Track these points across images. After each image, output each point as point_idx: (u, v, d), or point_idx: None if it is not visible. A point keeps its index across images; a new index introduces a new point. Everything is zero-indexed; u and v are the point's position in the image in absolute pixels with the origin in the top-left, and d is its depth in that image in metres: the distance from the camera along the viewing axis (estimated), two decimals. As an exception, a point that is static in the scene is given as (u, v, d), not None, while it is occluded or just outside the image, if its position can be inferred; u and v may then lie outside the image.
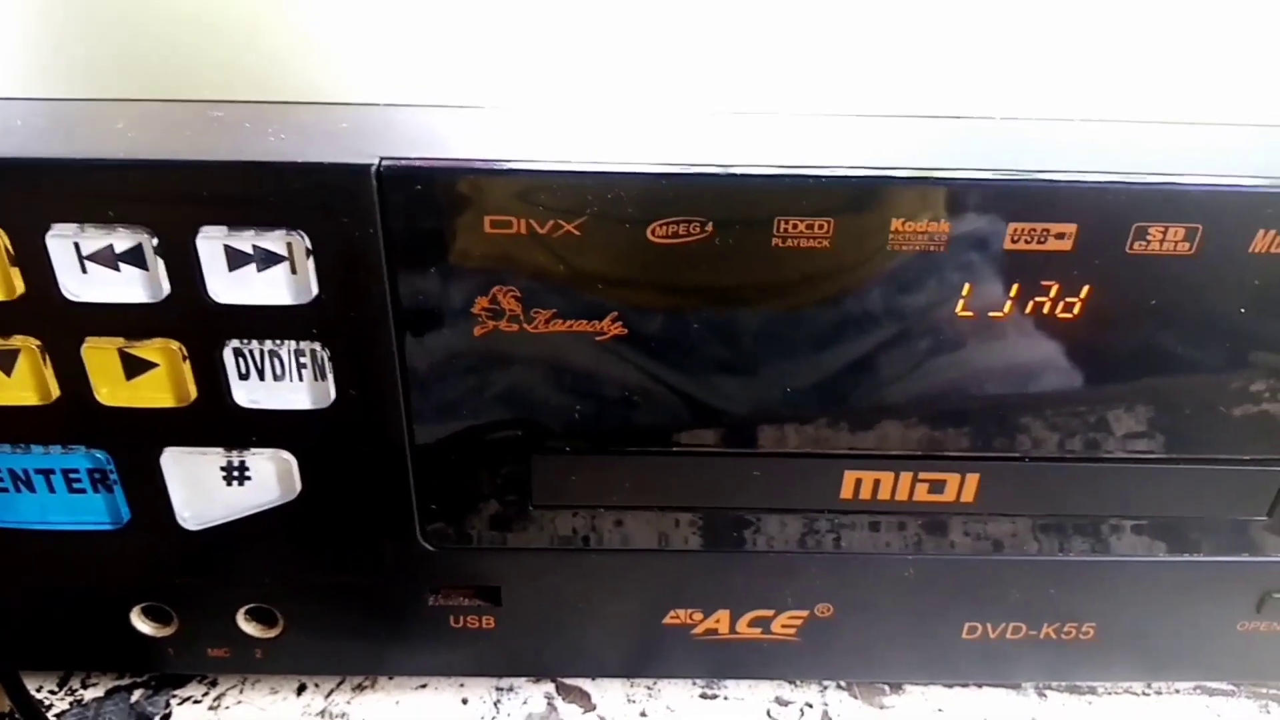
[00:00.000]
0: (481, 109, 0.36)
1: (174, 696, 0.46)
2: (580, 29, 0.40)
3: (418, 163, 0.31)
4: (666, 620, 0.42)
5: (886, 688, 0.47)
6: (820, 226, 0.32)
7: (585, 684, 0.47)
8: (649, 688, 0.47)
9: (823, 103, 0.38)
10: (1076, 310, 0.34)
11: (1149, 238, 0.32)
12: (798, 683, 0.47)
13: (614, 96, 0.38)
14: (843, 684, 0.47)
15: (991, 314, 0.34)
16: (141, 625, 0.42)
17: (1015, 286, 0.34)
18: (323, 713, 0.45)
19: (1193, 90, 0.41)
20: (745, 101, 0.38)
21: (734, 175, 0.31)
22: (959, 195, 0.32)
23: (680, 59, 0.40)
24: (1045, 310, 0.34)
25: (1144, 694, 0.47)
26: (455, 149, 0.32)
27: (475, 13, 0.40)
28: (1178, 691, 0.48)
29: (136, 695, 0.45)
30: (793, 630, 0.42)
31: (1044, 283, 0.33)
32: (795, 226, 0.32)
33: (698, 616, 0.42)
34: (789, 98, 0.39)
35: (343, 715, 0.45)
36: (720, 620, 0.42)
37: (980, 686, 0.47)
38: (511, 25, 0.40)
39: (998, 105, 0.36)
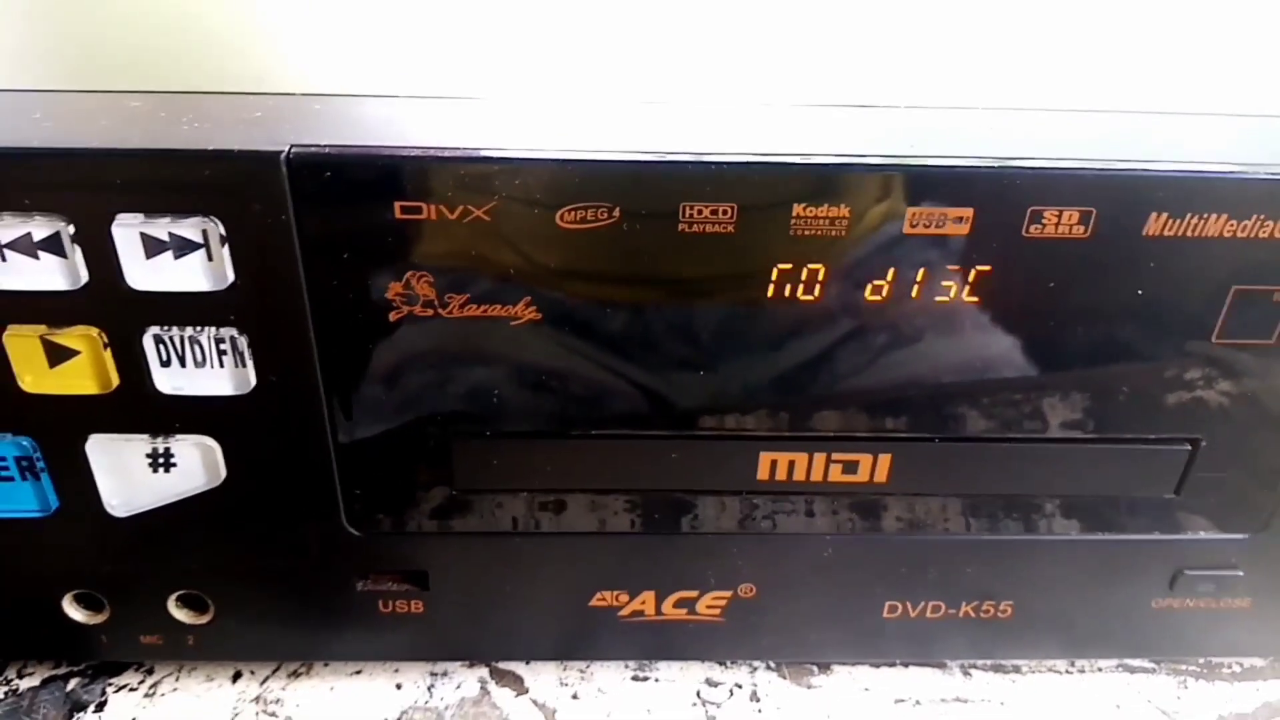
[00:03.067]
0: (398, 98, 0.36)
1: (110, 685, 0.46)
2: (503, 19, 0.41)
3: (327, 150, 0.32)
4: (593, 603, 0.42)
5: (815, 668, 0.48)
6: (724, 212, 0.33)
7: (519, 668, 0.47)
8: (582, 671, 0.47)
9: (729, 90, 0.38)
10: (976, 293, 0.35)
11: (1044, 221, 0.33)
12: (728, 664, 0.48)
13: (535, 85, 0.38)
14: (772, 665, 0.48)
15: (894, 297, 0.34)
16: (74, 613, 0.42)
17: (916, 270, 0.34)
18: (257, 699, 0.46)
19: (1089, 77, 0.42)
20: (657, 90, 0.38)
21: (638, 162, 0.32)
22: (858, 181, 0.33)
23: (597, 50, 0.41)
24: (946, 293, 0.35)
25: (1066, 672, 0.48)
26: (367, 136, 0.33)
27: (400, 4, 0.41)
28: (1100, 669, 0.49)
29: (72, 684, 0.46)
30: (717, 611, 0.43)
31: (944, 266, 0.34)
32: (700, 212, 0.32)
33: (624, 598, 0.43)
34: (698, 86, 0.40)
35: (277, 701, 0.45)
36: (646, 602, 0.43)
37: (906, 666, 0.48)
38: (432, 15, 0.41)
39: (903, 94, 0.36)
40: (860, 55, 0.41)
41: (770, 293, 0.35)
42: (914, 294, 0.35)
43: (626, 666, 0.48)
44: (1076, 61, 0.42)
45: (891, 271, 0.35)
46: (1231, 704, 0.47)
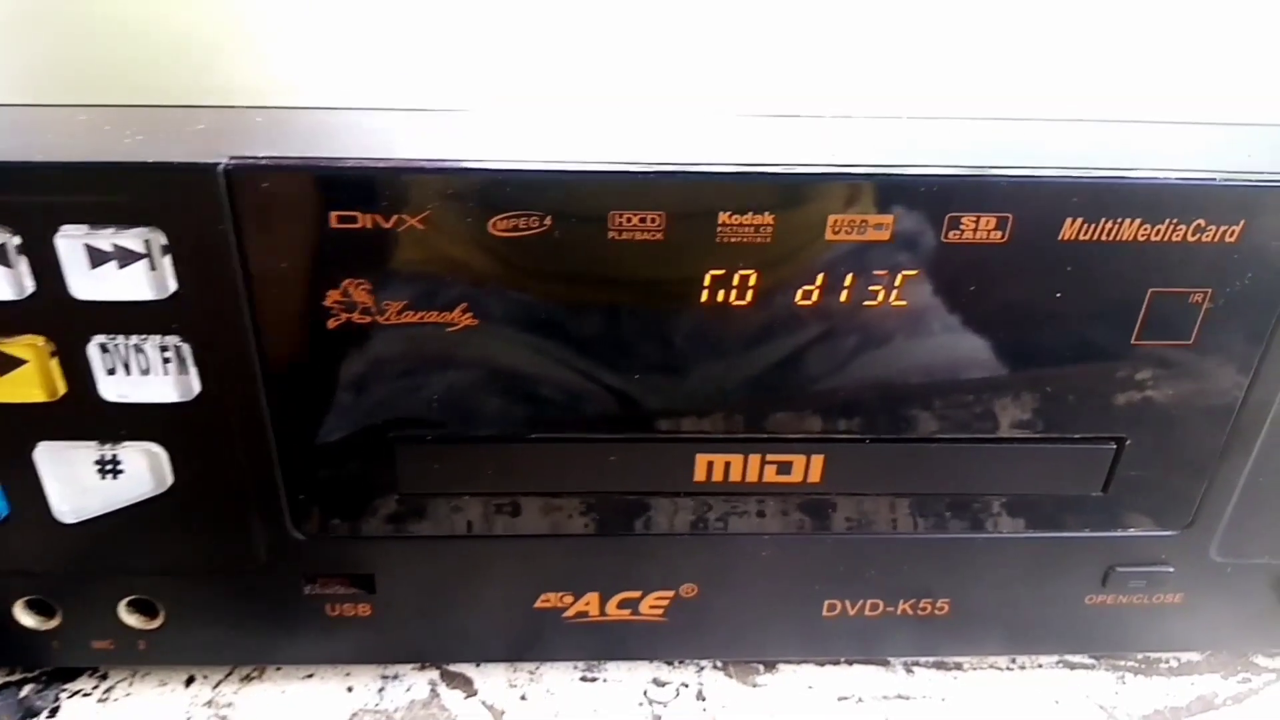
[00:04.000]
0: (338, 110, 0.37)
1: (63, 690, 0.46)
2: (444, 30, 0.42)
3: (263, 161, 0.32)
4: (538, 604, 0.43)
5: (761, 667, 0.49)
6: (653, 220, 0.34)
7: (469, 669, 0.48)
8: (531, 672, 0.48)
9: (657, 97, 0.39)
10: (902, 297, 0.36)
11: (962, 227, 0.34)
12: (676, 664, 0.49)
13: (475, 95, 0.39)
14: (719, 664, 0.49)
15: (824, 302, 0.36)
16: (25, 619, 0.43)
17: (843, 275, 0.35)
18: (210, 703, 0.46)
19: (1008, 85, 0.43)
20: (594, 98, 0.39)
21: (566, 172, 0.33)
22: (779, 189, 0.34)
23: (534, 59, 0.42)
24: (874, 298, 0.36)
25: (1007, 669, 0.50)
26: (304, 147, 0.34)
27: (340, 14, 0.42)
28: (1040, 666, 0.50)
29: (26, 690, 0.46)
30: (660, 611, 0.44)
31: (869, 272, 0.35)
32: (629, 220, 0.33)
33: (568, 599, 0.43)
34: (636, 93, 0.41)
35: (229, 705, 0.46)
36: (590, 603, 0.44)
37: (851, 663, 0.49)
38: (375, 27, 0.42)
39: (827, 105, 0.38)
40: (788, 67, 0.42)
41: (704, 298, 0.35)
42: (843, 299, 0.36)
43: (575, 667, 0.48)
44: (994, 71, 0.43)
45: (821, 276, 0.36)
46: (1168, 698, 0.48)
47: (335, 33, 0.43)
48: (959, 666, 0.49)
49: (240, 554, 0.41)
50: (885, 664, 0.49)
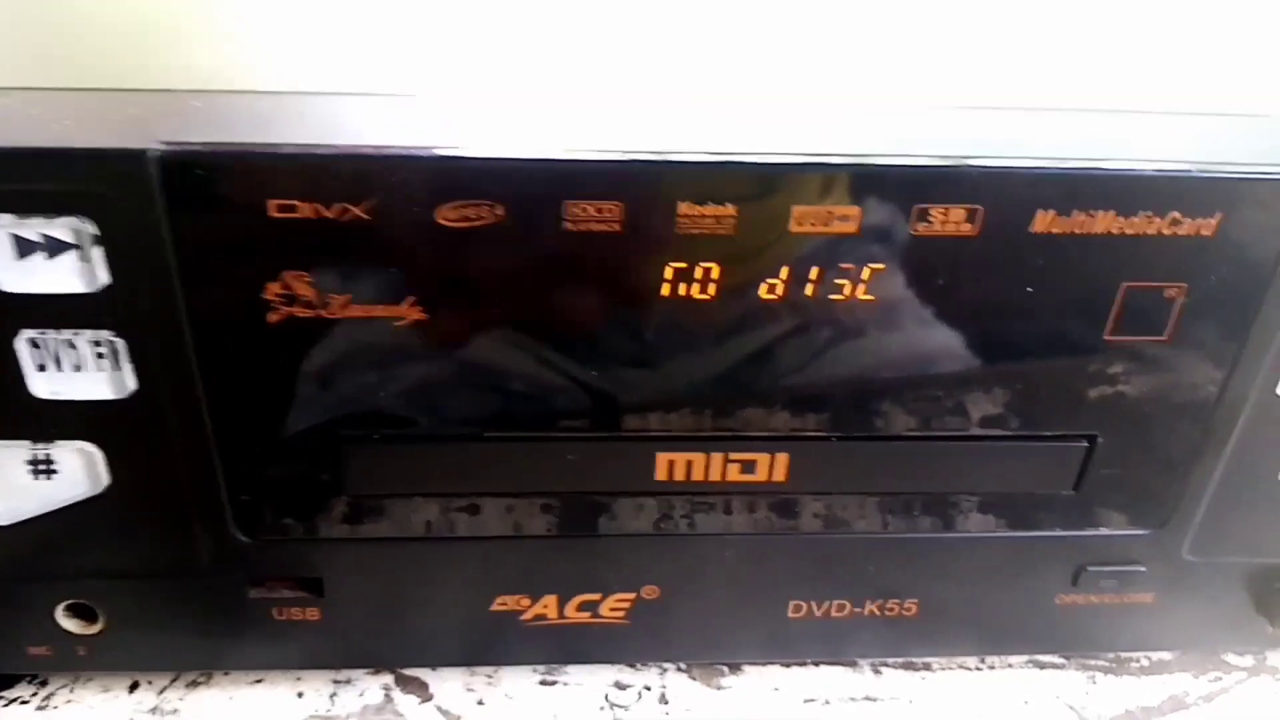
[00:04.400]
0: (282, 94, 0.35)
1: (0, 698, 0.44)
2: (393, 12, 0.40)
3: (198, 148, 0.31)
4: (494, 607, 0.42)
5: (725, 669, 0.47)
6: (609, 210, 0.32)
7: (425, 674, 0.47)
8: (489, 676, 0.47)
9: (613, 85, 0.38)
10: (870, 291, 0.34)
11: (931, 219, 0.33)
12: (639, 666, 0.47)
13: (426, 80, 0.38)
14: (683, 666, 0.47)
15: (790, 296, 0.34)
16: (-42, 624, 0.41)
17: (808, 269, 0.34)
18: (154, 710, 0.45)
19: (979, 74, 0.42)
20: (554, 84, 0.38)
21: (518, 159, 0.31)
22: (741, 179, 0.32)
23: (490, 43, 0.41)
24: (840, 291, 0.34)
25: (976, 669, 0.49)
26: (242, 133, 0.32)
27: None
28: (1010, 666, 0.49)
29: (-39, 698, 0.44)
30: (622, 613, 0.42)
31: (836, 265, 0.34)
32: (585, 210, 0.32)
33: (525, 602, 0.42)
34: (584, 77, 0.39)
35: (174, 712, 0.44)
36: (548, 605, 0.42)
37: (818, 665, 0.48)
38: (320, 9, 0.40)
39: (794, 93, 0.36)
40: (753, 49, 0.40)
41: (664, 292, 0.34)
42: (808, 293, 0.35)
43: (535, 671, 0.47)
44: (966, 60, 0.42)
45: (786, 270, 0.35)
46: (1139, 698, 0.47)
47: (277, 15, 0.41)
48: (927, 667, 0.48)
49: (182, 557, 0.39)
50: (853, 665, 0.48)
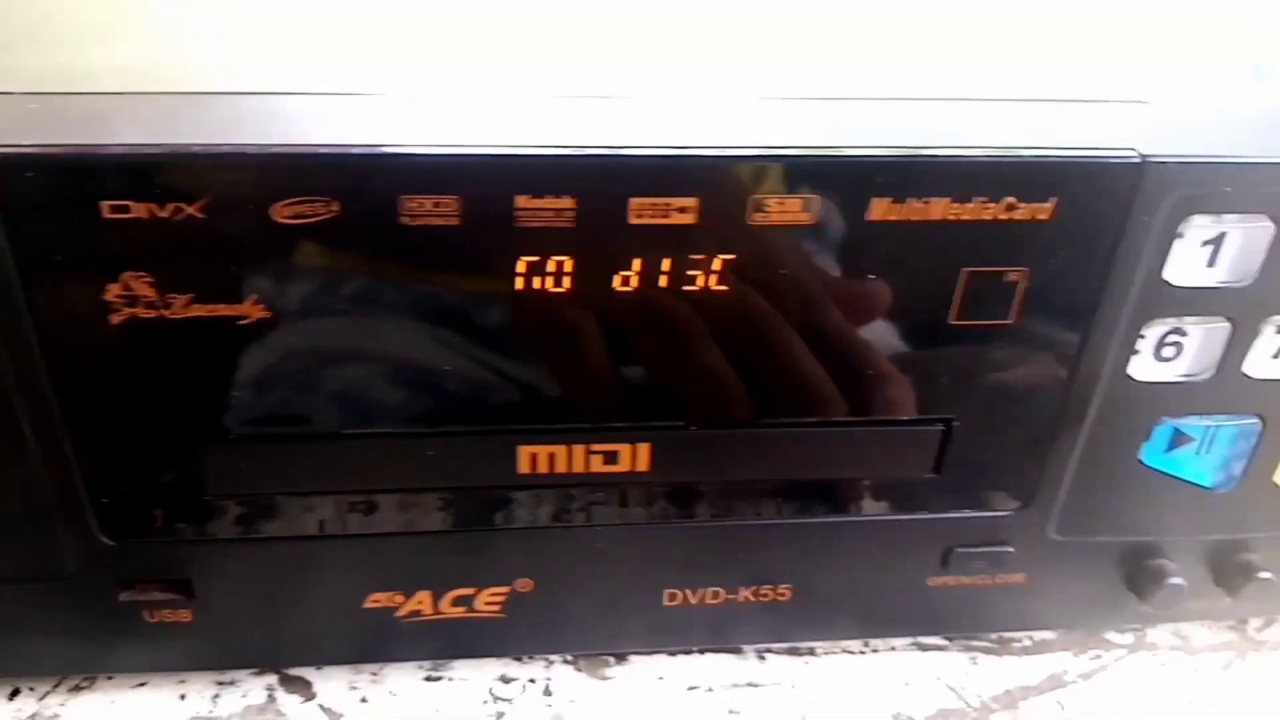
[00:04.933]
0: (125, 95, 0.35)
1: (-124, 708, 0.44)
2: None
3: (27, 150, 0.31)
4: (368, 604, 0.42)
5: (612, 659, 0.48)
6: (447, 204, 0.32)
7: (309, 673, 0.47)
8: (374, 674, 0.47)
9: (453, 78, 0.38)
10: (721, 282, 0.35)
11: (767, 208, 0.33)
12: (525, 660, 0.48)
13: (253, 76, 0.37)
14: (569, 658, 0.48)
15: (642, 288, 0.35)
16: None
17: (657, 261, 0.34)
18: (34, 716, 0.44)
19: (808, 62, 0.42)
20: (379, 68, 0.38)
21: (351, 154, 0.31)
22: (578, 170, 0.32)
23: (335, 37, 0.41)
24: (692, 283, 0.35)
25: (860, 652, 0.49)
26: (73, 134, 0.32)
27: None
28: (893, 649, 0.50)
29: None
30: (497, 607, 0.43)
31: (676, 256, 0.34)
32: (422, 204, 0.32)
33: (399, 599, 0.42)
34: (422, 64, 0.40)
35: (55, 717, 0.44)
36: (422, 601, 0.42)
37: (704, 652, 0.48)
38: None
39: (632, 86, 0.36)
40: (591, 43, 0.41)
41: (507, 285, 0.34)
42: (663, 284, 0.35)
43: (420, 667, 0.47)
44: (797, 45, 0.42)
45: (638, 263, 0.35)
46: (1019, 677, 0.48)
47: (109, 15, 0.41)
48: (811, 652, 0.49)
49: (47, 561, 0.39)
50: (738, 652, 0.49)
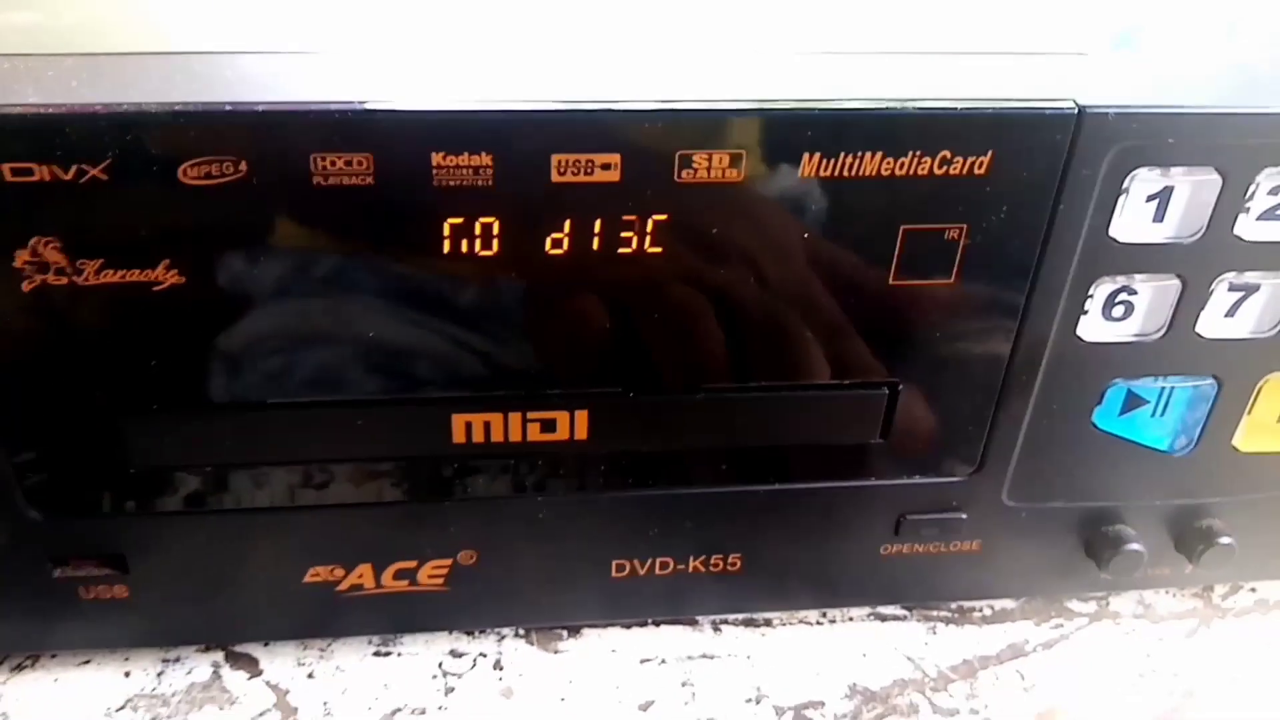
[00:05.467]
0: (18, 56, 0.34)
1: None
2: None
3: (-78, 111, 0.30)
4: (307, 579, 0.41)
5: (564, 632, 0.47)
6: (360, 163, 0.31)
7: (255, 649, 0.46)
8: (322, 649, 0.46)
9: (371, 35, 0.37)
10: (642, 242, 0.34)
11: (694, 165, 0.32)
12: (477, 634, 0.47)
13: (160, 33, 0.36)
14: (521, 632, 0.47)
15: (563, 251, 0.34)
16: None
17: (580, 222, 0.33)
18: (-24, 695, 0.43)
19: (735, 16, 0.41)
20: (289, 26, 0.37)
21: (256, 112, 0.30)
22: (497, 127, 0.31)
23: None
24: (614, 244, 0.34)
25: (818, 623, 0.48)
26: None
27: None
28: (851, 619, 0.49)
29: None
30: (440, 580, 0.42)
31: (612, 215, 0.33)
32: (334, 163, 0.31)
33: (339, 572, 0.41)
34: (333, 20, 0.39)
35: (-3, 696, 0.43)
36: (364, 575, 0.42)
37: (658, 624, 0.48)
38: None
39: (555, 35, 0.35)
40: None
41: (428, 246, 0.33)
42: (595, 246, 0.34)
43: (370, 643, 0.46)
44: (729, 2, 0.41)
45: (568, 224, 0.34)
46: (978, 647, 0.48)
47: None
48: (768, 623, 0.48)
49: (-24, 537, 0.38)
50: (694, 624, 0.48)
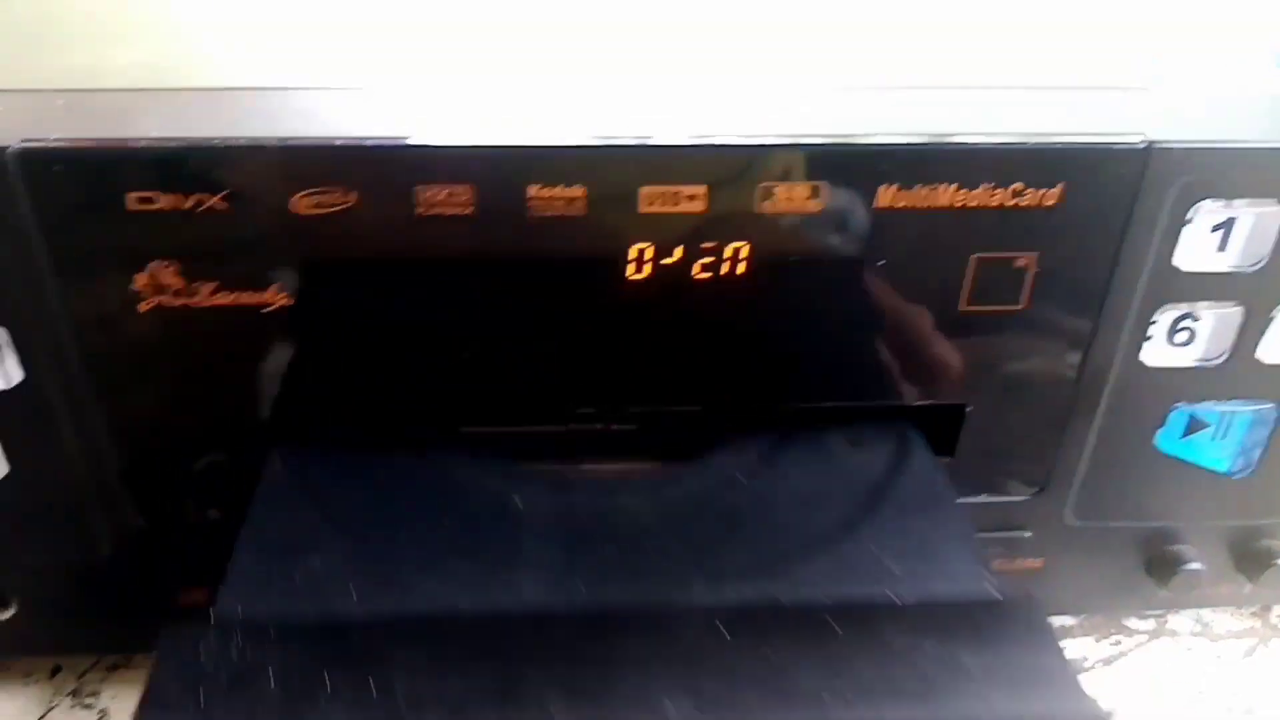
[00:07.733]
0: (142, 91, 0.36)
1: None
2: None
3: (55, 144, 0.32)
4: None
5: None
6: (461, 194, 0.33)
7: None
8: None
9: (471, 65, 0.39)
10: (733, 270, 0.36)
11: (776, 195, 0.34)
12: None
13: (274, 71, 0.39)
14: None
15: (646, 276, 0.36)
16: None
17: (669, 248, 0.35)
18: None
19: (816, 52, 0.43)
20: (394, 63, 0.39)
21: (368, 146, 0.32)
22: (590, 161, 0.33)
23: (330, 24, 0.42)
24: (711, 270, 0.35)
25: (879, 638, 0.49)
26: (100, 129, 0.33)
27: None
28: (912, 634, 0.49)
29: None
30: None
31: (686, 245, 0.35)
32: (436, 195, 0.33)
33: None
34: (436, 59, 0.41)
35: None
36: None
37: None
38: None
39: (627, 67, 0.37)
40: (607, 34, 0.42)
41: (515, 275, 0.35)
42: (669, 271, 0.36)
43: None
44: (805, 38, 0.43)
45: (651, 250, 0.36)
46: (1038, 663, 0.48)
47: (135, 17, 0.42)
48: (831, 637, 0.49)
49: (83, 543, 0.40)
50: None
